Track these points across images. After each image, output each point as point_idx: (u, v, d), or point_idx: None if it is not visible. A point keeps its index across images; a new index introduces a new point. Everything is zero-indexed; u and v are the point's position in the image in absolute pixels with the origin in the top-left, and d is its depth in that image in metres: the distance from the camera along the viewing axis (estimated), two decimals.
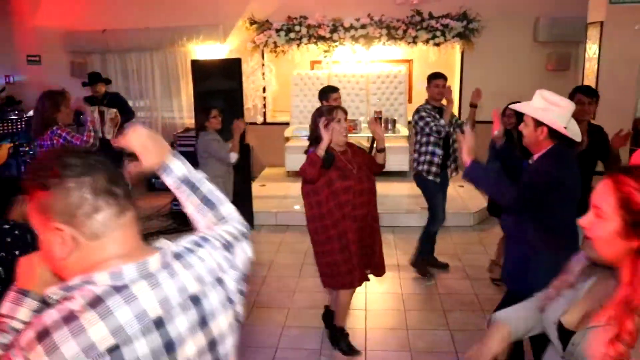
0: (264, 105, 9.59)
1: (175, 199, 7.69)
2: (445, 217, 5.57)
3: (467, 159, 3.01)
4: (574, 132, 2.92)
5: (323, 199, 3.77)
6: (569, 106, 2.92)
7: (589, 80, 5.73)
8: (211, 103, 6.64)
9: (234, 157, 5.44)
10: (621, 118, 5.37)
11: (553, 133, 2.90)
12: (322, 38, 8.95)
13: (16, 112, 7.42)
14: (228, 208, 1.63)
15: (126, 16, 9.27)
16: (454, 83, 9.33)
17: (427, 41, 8.86)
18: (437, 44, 8.88)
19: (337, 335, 4.14)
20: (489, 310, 4.76)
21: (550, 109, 2.89)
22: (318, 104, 9.32)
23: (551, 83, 8.74)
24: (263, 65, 9.39)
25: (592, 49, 5.72)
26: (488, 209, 5.59)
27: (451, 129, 5.33)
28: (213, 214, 1.61)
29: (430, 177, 5.34)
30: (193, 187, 1.60)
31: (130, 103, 9.67)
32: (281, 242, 6.55)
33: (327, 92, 5.55)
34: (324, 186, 3.75)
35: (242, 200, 6.86)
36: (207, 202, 1.61)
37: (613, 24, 5.40)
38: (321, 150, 3.63)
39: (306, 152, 3.91)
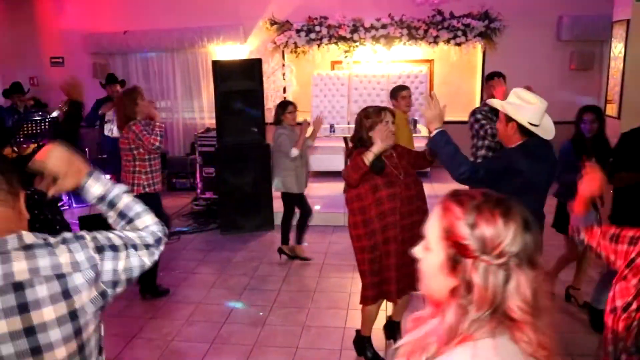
0: None
1: (196, 199, 7.76)
2: None
3: (431, 127, 3.08)
4: (546, 129, 3.05)
5: (367, 205, 3.61)
6: (540, 104, 3.01)
7: (615, 80, 5.64)
8: (232, 103, 6.69)
9: (294, 152, 5.54)
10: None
11: (523, 129, 3.03)
12: (343, 38, 8.93)
13: (40, 113, 7.52)
14: (145, 221, 1.80)
15: (147, 18, 9.36)
16: (475, 83, 9.27)
17: (448, 41, 8.80)
18: (459, 44, 8.81)
19: (363, 344, 4.08)
20: None
21: (522, 106, 3.02)
22: (338, 104, 9.38)
23: (574, 82, 8.65)
24: (283, 65, 9.41)
25: (617, 48, 5.63)
26: (553, 225, 4.79)
27: None
28: (130, 227, 1.78)
29: None
30: (110, 204, 1.78)
31: None
32: None
33: (397, 91, 5.57)
34: (368, 192, 3.58)
35: (262, 201, 6.88)
36: (124, 216, 1.79)
37: (639, 22, 5.31)
38: (371, 155, 3.47)
39: (349, 155, 3.80)
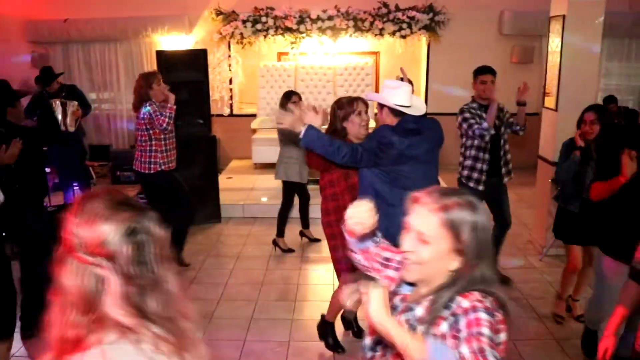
0: (231, 97, 9.54)
1: (140, 192, 7.62)
2: (509, 224, 5.07)
3: (297, 129, 3.16)
4: (417, 107, 3.37)
5: (339, 192, 3.68)
6: (404, 87, 3.33)
7: (552, 74, 5.81)
8: (177, 94, 6.58)
9: None
10: (582, 111, 5.48)
11: (394, 111, 3.33)
12: (289, 29, 8.92)
13: None
14: None
15: (89, 5, 9.10)
16: (420, 75, 9.40)
17: (393, 33, 8.91)
18: (404, 36, 8.94)
19: (326, 329, 4.11)
20: None
21: (390, 92, 3.32)
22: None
23: (515, 75, 8.87)
24: (229, 56, 9.33)
25: (554, 42, 5.80)
26: (553, 230, 4.64)
27: (502, 129, 4.85)
28: None
29: (471, 184, 4.79)
30: None
31: (94, 95, 9.56)
32: (249, 235, 6.52)
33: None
34: (341, 178, 3.65)
35: (209, 193, 6.82)
36: None
37: (574, 18, 5.48)
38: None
39: None
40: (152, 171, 5.21)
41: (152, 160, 5.20)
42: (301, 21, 8.87)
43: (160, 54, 6.69)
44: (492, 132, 4.64)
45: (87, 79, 9.59)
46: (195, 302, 4.41)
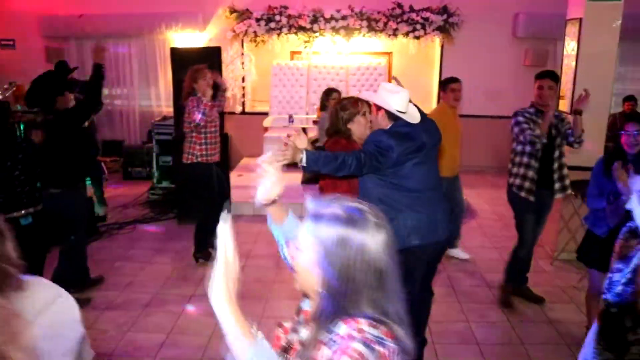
0: (243, 95, 9.56)
1: (152, 188, 7.64)
2: (536, 241, 4.86)
3: (297, 159, 2.90)
4: (412, 115, 3.35)
5: (341, 193, 3.55)
6: (403, 93, 3.30)
7: (567, 77, 5.79)
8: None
9: None
10: (597, 114, 5.46)
11: (390, 115, 3.31)
12: (303, 28, 8.93)
13: None
14: None
15: (104, 1, 9.15)
16: (433, 76, 9.39)
17: (407, 34, 8.90)
18: (417, 37, 8.92)
19: None
20: (464, 301, 4.81)
21: (389, 96, 3.30)
22: (297, 95, 9.36)
23: (528, 78, 8.77)
24: (242, 54, 9.34)
25: (570, 46, 5.77)
26: (577, 251, 4.17)
27: (558, 140, 4.51)
28: None
29: (523, 194, 4.50)
30: None
31: (107, 91, 9.59)
32: (259, 232, 6.52)
33: (447, 83, 5.39)
34: (343, 180, 3.48)
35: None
36: None
37: (591, 21, 5.46)
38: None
39: (322, 148, 3.78)
40: (189, 161, 5.40)
41: (191, 151, 5.38)
42: (315, 20, 8.87)
43: (174, 51, 6.72)
44: (545, 140, 4.33)
45: None
46: (204, 299, 4.42)
